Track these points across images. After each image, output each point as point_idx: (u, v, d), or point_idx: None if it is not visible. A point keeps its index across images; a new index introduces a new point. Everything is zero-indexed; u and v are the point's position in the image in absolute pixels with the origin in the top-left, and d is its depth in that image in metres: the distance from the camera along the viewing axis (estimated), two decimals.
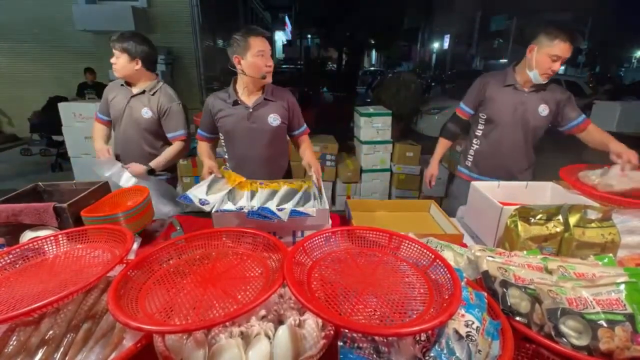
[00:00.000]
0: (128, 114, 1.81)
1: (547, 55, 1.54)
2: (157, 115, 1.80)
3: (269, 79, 1.57)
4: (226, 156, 1.74)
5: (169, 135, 1.85)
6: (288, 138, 1.78)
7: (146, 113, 1.78)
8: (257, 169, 1.63)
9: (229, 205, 1.25)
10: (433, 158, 1.95)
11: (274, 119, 1.61)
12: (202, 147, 1.70)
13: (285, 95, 1.66)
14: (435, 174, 1.93)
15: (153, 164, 1.78)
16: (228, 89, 1.61)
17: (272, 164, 1.72)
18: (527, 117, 1.69)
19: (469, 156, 1.90)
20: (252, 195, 1.38)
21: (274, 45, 22.60)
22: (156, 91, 1.80)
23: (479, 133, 1.83)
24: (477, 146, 1.85)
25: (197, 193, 1.28)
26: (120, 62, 1.72)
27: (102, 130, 1.92)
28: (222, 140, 1.70)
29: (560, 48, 1.51)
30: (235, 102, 1.58)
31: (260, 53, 1.47)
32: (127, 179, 1.67)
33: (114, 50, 1.72)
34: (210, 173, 1.45)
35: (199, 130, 1.71)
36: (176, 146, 1.86)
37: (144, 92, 1.79)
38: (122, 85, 1.83)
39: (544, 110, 1.67)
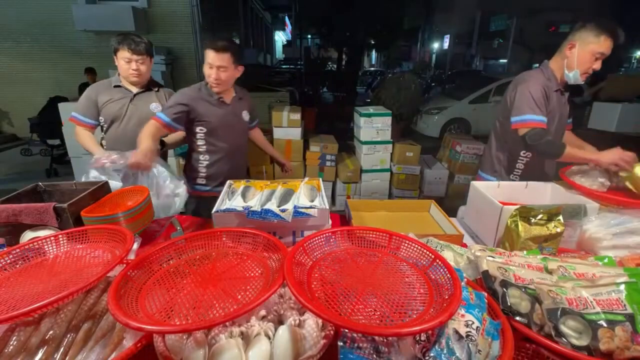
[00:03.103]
0: (132, 111, 1.82)
1: (591, 53, 1.42)
2: None
3: (221, 89, 1.69)
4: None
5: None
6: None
7: (156, 108, 1.85)
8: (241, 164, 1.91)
9: (239, 201, 1.24)
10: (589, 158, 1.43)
11: (246, 114, 1.85)
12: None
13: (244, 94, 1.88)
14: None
15: (166, 139, 1.85)
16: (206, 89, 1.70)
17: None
18: (563, 122, 1.63)
19: (516, 170, 1.71)
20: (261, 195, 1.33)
21: (273, 45, 22.50)
22: (159, 88, 1.91)
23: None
24: (528, 159, 1.67)
25: (236, 204, 1.22)
26: (147, 66, 1.77)
27: (91, 136, 1.82)
28: (200, 138, 1.77)
29: (607, 45, 1.40)
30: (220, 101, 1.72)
31: (209, 65, 1.58)
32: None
33: (135, 56, 1.70)
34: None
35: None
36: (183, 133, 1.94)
37: (147, 89, 1.86)
38: (115, 86, 1.82)
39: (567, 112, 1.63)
